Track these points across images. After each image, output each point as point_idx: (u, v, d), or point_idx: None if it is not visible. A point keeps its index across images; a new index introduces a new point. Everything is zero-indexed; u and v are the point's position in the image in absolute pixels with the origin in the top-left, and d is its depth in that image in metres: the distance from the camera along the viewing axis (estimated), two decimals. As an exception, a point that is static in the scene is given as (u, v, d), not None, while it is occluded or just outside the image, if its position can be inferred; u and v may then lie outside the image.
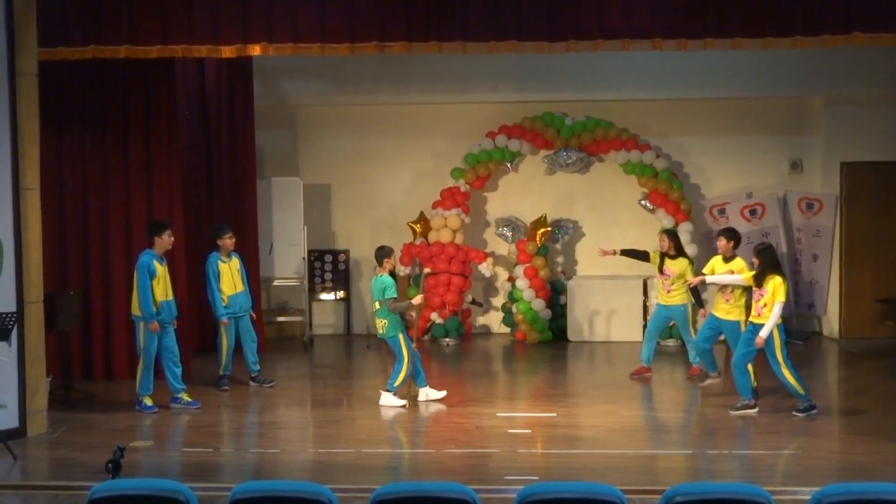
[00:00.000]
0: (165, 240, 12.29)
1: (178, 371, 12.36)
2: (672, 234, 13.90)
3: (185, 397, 12.37)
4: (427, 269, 13.79)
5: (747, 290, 12.07)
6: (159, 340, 12.12)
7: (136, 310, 12.11)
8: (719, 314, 12.28)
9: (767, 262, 11.55)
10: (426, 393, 12.45)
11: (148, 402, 12.17)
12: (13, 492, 9.34)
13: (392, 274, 12.32)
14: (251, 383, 13.43)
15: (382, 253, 12.31)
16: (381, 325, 12.20)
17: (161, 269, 12.13)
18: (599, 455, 10.28)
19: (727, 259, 12.38)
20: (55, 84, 12.65)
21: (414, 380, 12.39)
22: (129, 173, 13.61)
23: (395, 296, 12.05)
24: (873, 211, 16.70)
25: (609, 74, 16.29)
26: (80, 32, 11.80)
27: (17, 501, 9.16)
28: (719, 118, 17.21)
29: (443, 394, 12.45)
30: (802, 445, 10.64)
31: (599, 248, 14.35)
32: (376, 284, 12.20)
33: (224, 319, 13.09)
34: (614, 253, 14.06)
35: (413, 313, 12.50)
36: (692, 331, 13.55)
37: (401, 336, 12.12)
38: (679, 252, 13.62)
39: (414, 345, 12.31)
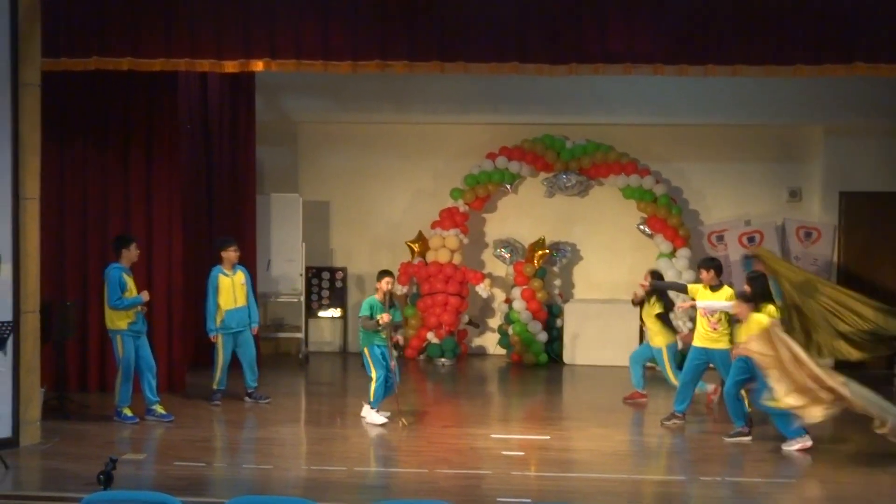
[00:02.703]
0: (132, 252, 12.43)
1: (155, 382, 12.45)
2: (655, 275, 13.72)
3: (160, 409, 12.41)
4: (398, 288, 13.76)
5: (732, 318, 12.05)
6: (136, 351, 12.23)
7: (111, 323, 12.22)
8: (706, 343, 12.22)
9: (759, 291, 11.56)
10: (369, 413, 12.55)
11: (127, 412, 12.24)
12: (4, 501, 9.31)
13: (390, 296, 12.41)
14: (247, 399, 13.42)
15: (379, 276, 12.53)
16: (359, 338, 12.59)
17: (130, 282, 12.24)
18: (592, 479, 10.27)
19: (714, 288, 12.31)
20: (58, 95, 12.69)
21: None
22: (129, 185, 13.64)
23: (367, 314, 12.24)
24: (871, 241, 16.70)
25: (610, 98, 16.32)
26: (84, 44, 11.88)
27: (7, 511, 9.16)
28: (719, 145, 17.24)
29: (383, 420, 12.43)
30: (795, 474, 10.63)
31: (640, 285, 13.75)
32: None
33: (212, 336, 13.15)
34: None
35: (387, 332, 12.47)
36: (670, 374, 13.40)
37: (366, 350, 12.33)
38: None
39: (392, 363, 12.38)
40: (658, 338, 13.41)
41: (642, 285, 13.60)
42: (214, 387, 13.27)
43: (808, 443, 11.35)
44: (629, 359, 13.93)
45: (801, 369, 10.85)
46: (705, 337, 12.20)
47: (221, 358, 13.20)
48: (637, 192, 16.72)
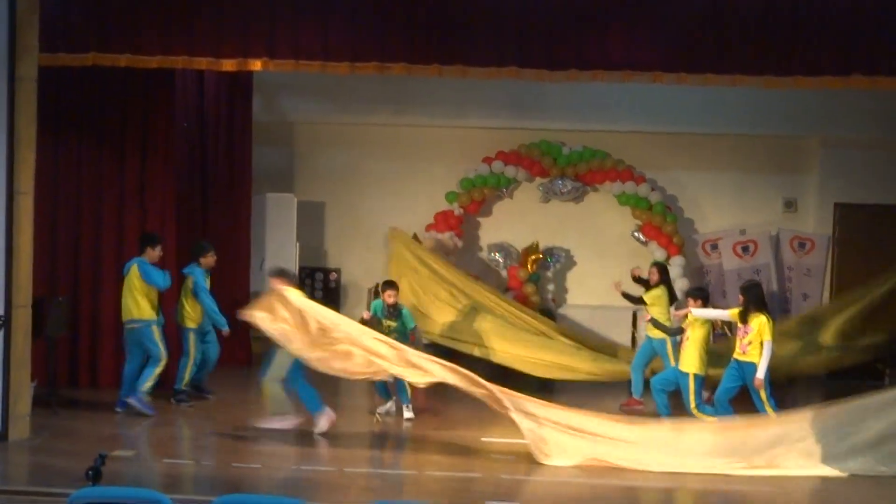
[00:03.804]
0: (156, 252, 12.54)
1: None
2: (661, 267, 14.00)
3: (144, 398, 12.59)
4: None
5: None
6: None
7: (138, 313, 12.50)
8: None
9: (752, 300, 11.59)
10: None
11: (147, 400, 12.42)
12: (-8, 496, 9.31)
13: (395, 307, 12.85)
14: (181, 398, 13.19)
15: (382, 288, 13.06)
16: None
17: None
18: (581, 484, 10.27)
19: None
20: (54, 89, 12.67)
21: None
22: (124, 182, 13.61)
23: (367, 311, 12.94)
24: (865, 253, 16.69)
25: (607, 105, 16.32)
26: (82, 39, 11.85)
27: (-6, 506, 9.13)
28: (716, 154, 17.25)
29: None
30: (785, 485, 10.60)
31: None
32: None
33: (227, 331, 13.20)
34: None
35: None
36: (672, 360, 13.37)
37: None
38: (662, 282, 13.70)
39: None
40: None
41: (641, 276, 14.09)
42: (183, 387, 13.13)
43: (332, 415, 11.87)
44: (630, 366, 13.92)
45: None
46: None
47: (194, 356, 13.15)
48: (632, 199, 16.72)
